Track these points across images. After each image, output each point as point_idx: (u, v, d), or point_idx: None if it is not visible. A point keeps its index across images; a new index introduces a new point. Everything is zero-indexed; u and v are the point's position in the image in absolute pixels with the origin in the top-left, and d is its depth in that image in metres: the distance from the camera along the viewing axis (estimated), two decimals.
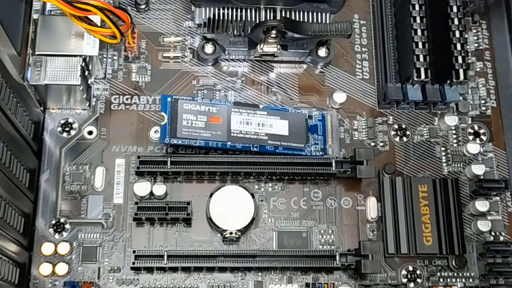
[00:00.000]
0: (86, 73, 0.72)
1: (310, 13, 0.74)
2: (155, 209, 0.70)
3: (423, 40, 0.74)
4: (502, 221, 0.75)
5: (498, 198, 0.75)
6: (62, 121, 0.74)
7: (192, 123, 0.71)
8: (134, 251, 0.68)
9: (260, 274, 0.71)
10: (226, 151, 0.73)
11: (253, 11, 0.74)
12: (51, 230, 0.71)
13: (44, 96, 0.72)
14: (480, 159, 0.77)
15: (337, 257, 0.69)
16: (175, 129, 0.71)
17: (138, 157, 0.71)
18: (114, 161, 0.74)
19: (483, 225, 0.73)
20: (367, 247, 0.68)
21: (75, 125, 0.74)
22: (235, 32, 0.75)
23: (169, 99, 0.72)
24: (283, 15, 0.74)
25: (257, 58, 0.78)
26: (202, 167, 0.71)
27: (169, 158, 0.71)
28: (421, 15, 0.75)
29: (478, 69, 0.81)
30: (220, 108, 0.73)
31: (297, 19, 0.74)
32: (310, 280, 0.71)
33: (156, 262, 0.68)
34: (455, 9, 0.75)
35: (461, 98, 0.78)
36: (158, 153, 0.74)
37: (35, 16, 0.69)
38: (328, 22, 0.75)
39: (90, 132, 0.74)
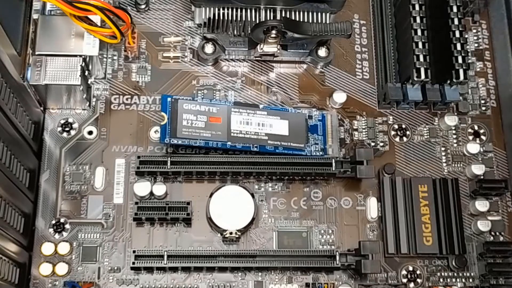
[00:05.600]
0: (86, 73, 0.71)
1: (310, 13, 0.74)
2: (155, 209, 0.70)
3: (423, 40, 0.74)
4: (502, 221, 0.75)
5: (498, 198, 0.76)
6: (62, 121, 0.74)
7: (192, 123, 0.71)
8: (134, 251, 0.68)
9: (260, 274, 0.71)
10: (226, 151, 0.73)
11: (253, 11, 0.74)
12: (51, 230, 0.71)
13: (44, 96, 0.72)
14: (480, 159, 0.77)
15: (337, 257, 0.69)
16: (175, 129, 0.71)
17: (138, 157, 0.71)
18: (114, 161, 0.74)
19: (483, 225, 0.73)
20: (367, 247, 0.68)
21: (75, 125, 0.74)
22: (235, 32, 0.75)
23: (169, 99, 0.72)
24: (283, 15, 0.74)
25: (257, 58, 0.78)
26: (202, 167, 0.71)
27: (169, 158, 0.71)
28: (421, 15, 0.75)
29: (478, 69, 0.81)
30: (220, 108, 0.73)
31: (297, 19, 0.74)
32: (310, 280, 0.71)
33: (156, 262, 0.68)
34: (455, 9, 0.75)
35: (461, 98, 0.78)
36: (158, 153, 0.74)
37: (35, 16, 0.69)
38: (328, 22, 0.75)
39: (90, 132, 0.74)
